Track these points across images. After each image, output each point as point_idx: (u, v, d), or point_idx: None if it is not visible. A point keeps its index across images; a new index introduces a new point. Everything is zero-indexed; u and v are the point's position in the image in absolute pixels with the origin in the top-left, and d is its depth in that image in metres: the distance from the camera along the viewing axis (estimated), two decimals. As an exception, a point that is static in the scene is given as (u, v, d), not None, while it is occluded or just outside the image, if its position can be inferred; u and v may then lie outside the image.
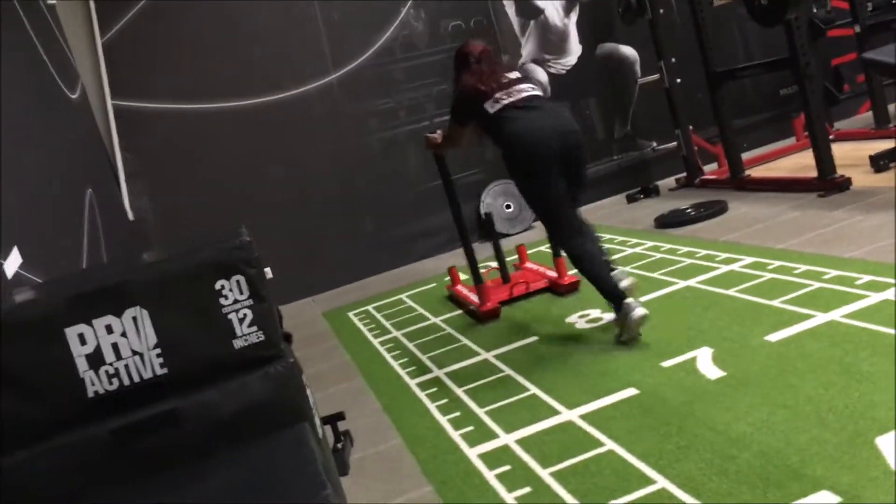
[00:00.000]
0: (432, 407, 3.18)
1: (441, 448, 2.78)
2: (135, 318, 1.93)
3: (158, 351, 1.94)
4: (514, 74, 3.66)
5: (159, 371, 1.95)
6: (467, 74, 3.67)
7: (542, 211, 3.56)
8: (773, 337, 2.90)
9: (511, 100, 3.49)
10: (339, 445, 2.86)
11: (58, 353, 1.87)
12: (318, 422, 2.12)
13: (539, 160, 3.36)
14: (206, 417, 1.92)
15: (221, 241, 2.03)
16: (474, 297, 4.31)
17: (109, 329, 1.92)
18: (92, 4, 5.57)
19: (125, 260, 3.47)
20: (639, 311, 3.23)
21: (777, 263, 3.70)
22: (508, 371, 3.33)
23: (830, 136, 5.20)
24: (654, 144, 6.80)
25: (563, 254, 3.70)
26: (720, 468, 2.16)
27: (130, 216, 5.52)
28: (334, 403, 3.39)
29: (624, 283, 3.30)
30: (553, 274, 4.36)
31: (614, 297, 3.30)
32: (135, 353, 1.93)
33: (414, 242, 6.24)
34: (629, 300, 3.26)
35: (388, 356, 4.03)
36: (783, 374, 2.60)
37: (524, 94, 3.51)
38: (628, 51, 6.74)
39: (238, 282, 1.98)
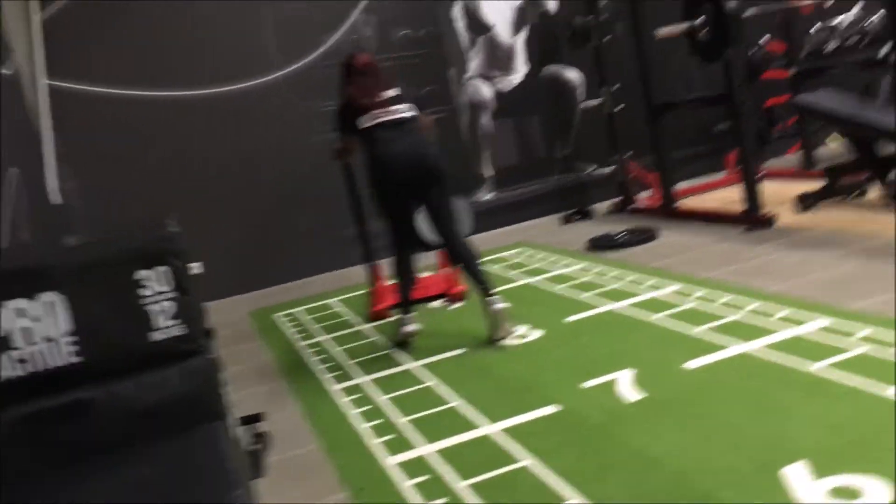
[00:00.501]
0: (354, 413, 3.15)
1: (359, 455, 2.75)
2: (50, 304, 1.87)
3: (73, 338, 1.88)
4: (392, 92, 3.93)
5: (72, 359, 1.88)
6: (350, 86, 3.96)
7: (386, 221, 4.00)
8: (693, 364, 2.97)
9: (381, 119, 3.85)
10: (256, 447, 2.81)
11: (-36, 334, 1.79)
12: (234, 421, 2.08)
13: (389, 181, 3.81)
14: (120, 409, 1.86)
15: (147, 230, 1.97)
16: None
17: (22, 313, 1.85)
18: (31, -22, 5.40)
19: (45, 243, 3.36)
20: (499, 305, 3.70)
21: (701, 292, 3.79)
22: (433, 381, 3.32)
23: (760, 174, 5.37)
24: (593, 168, 6.92)
25: (459, 265, 4.00)
26: (635, 488, 2.20)
27: (57, 199, 5.35)
28: (254, 404, 3.33)
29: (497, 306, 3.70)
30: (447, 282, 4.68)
31: (406, 306, 3.89)
32: (47, 339, 1.86)
33: (350, 247, 6.18)
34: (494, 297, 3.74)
35: (312, 360, 3.98)
36: (700, 400, 2.66)
37: (393, 116, 3.87)
38: (573, 74, 6.85)
39: (163, 273, 1.93)
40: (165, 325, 1.94)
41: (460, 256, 3.91)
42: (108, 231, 2.30)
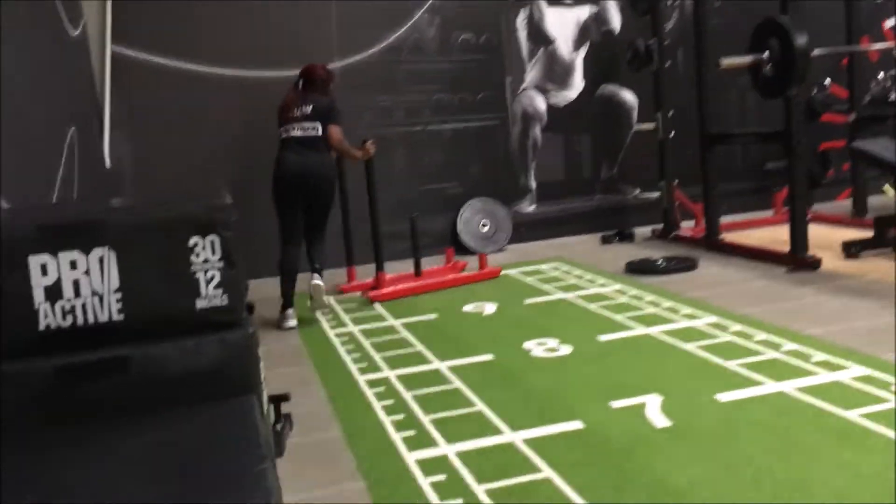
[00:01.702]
0: (377, 405, 3.16)
1: (380, 447, 2.76)
2: (101, 259, 1.90)
3: (119, 296, 1.91)
4: (309, 108, 4.58)
5: (116, 316, 1.91)
6: (288, 91, 4.74)
7: (279, 221, 4.65)
8: (724, 397, 2.94)
9: (292, 134, 4.58)
10: (279, 426, 2.83)
11: (17, 279, 1.83)
12: (265, 397, 2.10)
13: (279, 188, 4.58)
14: (156, 372, 1.89)
15: (203, 199, 2.00)
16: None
17: (74, 265, 1.88)
18: (110, -55, 5.50)
19: (100, 200, 3.40)
20: (315, 280, 4.54)
21: (738, 327, 3.75)
22: (459, 384, 3.32)
23: (808, 216, 5.30)
24: (637, 191, 6.88)
25: None
26: (652, 514, 2.18)
27: (107, 163, 5.44)
28: (280, 385, 3.35)
29: (314, 281, 4.55)
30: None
31: (286, 301, 4.62)
32: (95, 293, 1.90)
33: (388, 243, 6.20)
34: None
35: (340, 348, 4.00)
36: (728, 434, 2.63)
37: (302, 134, 4.57)
38: (628, 95, 6.83)
39: (212, 242, 1.96)
40: (210, 294, 1.96)
41: (316, 259, 4.65)
42: (162, 196, 2.33)
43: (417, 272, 5.29)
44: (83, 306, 1.89)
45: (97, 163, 5.26)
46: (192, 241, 1.94)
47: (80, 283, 1.88)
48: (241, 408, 1.85)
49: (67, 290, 1.87)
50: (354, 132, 6.20)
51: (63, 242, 1.85)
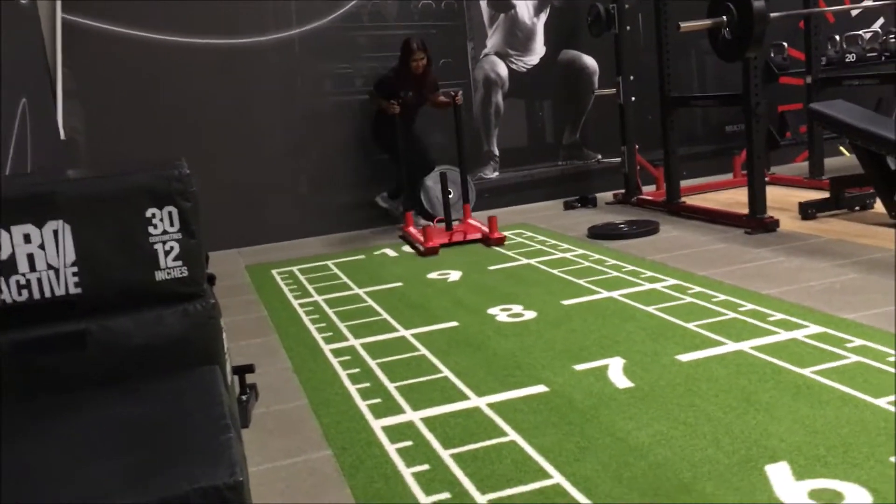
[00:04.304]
0: (343, 374, 3.17)
1: (346, 415, 2.77)
2: (56, 232, 1.87)
3: (75, 269, 1.88)
4: None
5: (73, 290, 1.89)
6: None
7: None
8: (684, 357, 2.99)
9: None
10: (244, 397, 2.83)
11: (-32, 253, 1.79)
12: (229, 368, 2.09)
13: None
14: (116, 345, 1.87)
15: (159, 169, 1.97)
16: (420, 237, 5.35)
17: (27, 238, 1.85)
18: None
19: (54, 172, 3.34)
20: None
21: (697, 289, 3.81)
22: (424, 351, 3.34)
23: (766, 178, 5.37)
24: (599, 157, 6.91)
25: None
26: (615, 473, 2.22)
27: (62, 135, 5.32)
28: (245, 356, 3.34)
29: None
30: (486, 229, 5.40)
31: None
32: (50, 267, 1.87)
33: (350, 212, 6.19)
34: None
35: (305, 318, 3.99)
36: (688, 393, 2.68)
37: None
38: (589, 61, 6.82)
39: (170, 213, 1.93)
40: (169, 265, 1.95)
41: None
42: (118, 167, 2.29)
43: (448, 227, 5.55)
44: (38, 280, 1.86)
45: (51, 134, 5.15)
46: (149, 213, 1.92)
47: (35, 257, 1.85)
48: (204, 379, 1.84)
49: (22, 265, 1.84)
50: (315, 100, 6.16)
51: (15, 216, 1.81)
